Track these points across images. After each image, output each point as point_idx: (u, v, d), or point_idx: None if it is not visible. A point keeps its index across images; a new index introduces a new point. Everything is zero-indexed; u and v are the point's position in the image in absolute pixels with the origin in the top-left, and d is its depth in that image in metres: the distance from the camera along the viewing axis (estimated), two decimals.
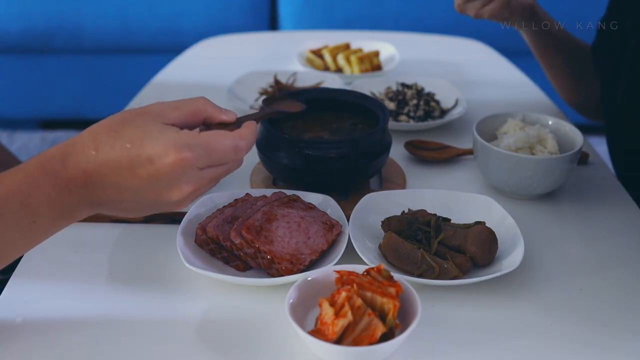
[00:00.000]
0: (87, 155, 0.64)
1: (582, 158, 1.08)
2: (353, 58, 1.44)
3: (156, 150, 0.63)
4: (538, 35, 1.19)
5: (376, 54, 1.48)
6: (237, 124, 0.72)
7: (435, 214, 0.87)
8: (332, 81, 1.34)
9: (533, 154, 0.97)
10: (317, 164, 0.91)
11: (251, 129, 0.70)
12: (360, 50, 1.51)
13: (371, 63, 1.46)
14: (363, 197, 0.90)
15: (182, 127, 0.67)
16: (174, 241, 0.82)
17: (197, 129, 0.67)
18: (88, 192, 0.65)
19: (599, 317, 0.77)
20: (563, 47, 1.21)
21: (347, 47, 1.55)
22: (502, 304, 0.78)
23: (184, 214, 0.87)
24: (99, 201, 0.66)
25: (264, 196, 0.89)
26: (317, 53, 1.52)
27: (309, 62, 1.50)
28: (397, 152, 1.10)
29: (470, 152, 1.09)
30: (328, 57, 1.48)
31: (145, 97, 1.34)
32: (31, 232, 0.66)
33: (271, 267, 0.79)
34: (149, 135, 0.64)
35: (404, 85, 1.29)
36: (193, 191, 0.66)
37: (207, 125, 0.71)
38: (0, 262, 0.67)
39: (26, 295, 0.78)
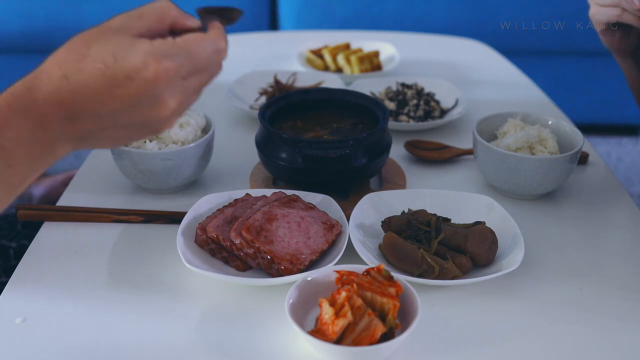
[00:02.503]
0: (57, 85, 0.57)
1: (582, 158, 1.08)
2: (353, 58, 1.44)
3: (133, 65, 0.57)
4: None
5: (376, 54, 1.48)
6: (203, 29, 0.66)
7: (435, 214, 0.87)
8: (332, 81, 1.34)
9: (533, 154, 0.97)
10: (317, 164, 0.91)
11: (222, 30, 0.64)
12: (360, 50, 1.51)
13: (371, 63, 1.46)
14: (363, 197, 0.90)
15: (151, 38, 0.61)
16: (174, 241, 0.82)
17: (169, 38, 0.61)
18: (65, 126, 0.59)
19: (599, 317, 0.77)
20: None
21: (347, 47, 1.54)
22: (502, 304, 0.78)
23: (183, 214, 0.87)
24: (79, 134, 0.60)
25: (264, 196, 0.89)
26: (317, 53, 1.52)
27: (309, 62, 1.50)
28: (397, 152, 1.10)
29: (470, 152, 1.09)
30: (328, 57, 1.48)
31: None
32: (8, 178, 0.59)
33: (271, 267, 0.79)
34: (120, 51, 0.57)
35: (404, 85, 1.29)
36: (179, 105, 0.61)
37: (175, 32, 0.64)
38: None
39: (26, 296, 0.78)
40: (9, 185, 0.60)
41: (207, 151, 0.99)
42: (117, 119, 0.60)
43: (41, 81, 0.58)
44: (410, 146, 1.12)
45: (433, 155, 1.10)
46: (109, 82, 0.57)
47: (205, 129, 1.02)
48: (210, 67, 0.63)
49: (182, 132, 0.97)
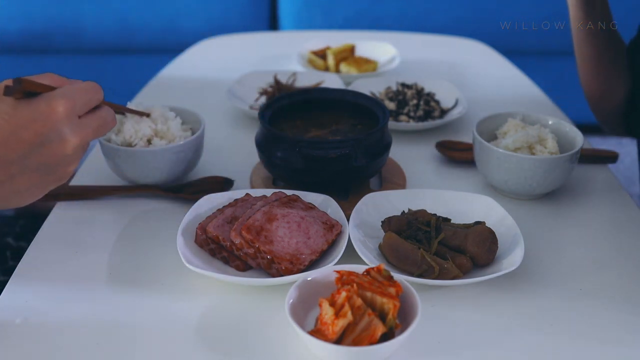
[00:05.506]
0: None
1: (612, 158, 1.08)
2: (353, 64, 1.44)
3: (37, 108, 0.61)
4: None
5: (375, 65, 1.46)
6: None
7: (435, 214, 0.87)
8: (332, 81, 1.34)
9: (533, 154, 0.97)
10: (317, 164, 0.91)
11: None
12: (364, 59, 1.49)
13: (373, 68, 1.46)
14: (363, 197, 0.90)
15: None
16: (174, 241, 0.82)
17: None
18: None
19: (598, 316, 0.77)
20: (603, 38, 1.11)
21: (351, 50, 1.52)
22: (502, 304, 0.78)
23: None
24: None
25: (264, 196, 0.89)
26: (319, 53, 1.51)
27: (310, 63, 1.49)
28: (398, 152, 1.10)
29: None
30: (331, 60, 1.47)
31: (145, 97, 1.34)
32: None
33: (271, 267, 0.79)
34: (20, 102, 0.62)
35: (404, 85, 1.29)
36: (79, 143, 0.65)
37: (28, 93, 0.66)
38: None
39: (26, 296, 0.78)
40: None
41: (187, 152, 0.98)
42: (23, 162, 0.62)
43: None
44: (442, 147, 1.11)
45: (465, 156, 1.08)
46: (14, 128, 0.61)
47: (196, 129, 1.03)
48: (95, 103, 0.67)
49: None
